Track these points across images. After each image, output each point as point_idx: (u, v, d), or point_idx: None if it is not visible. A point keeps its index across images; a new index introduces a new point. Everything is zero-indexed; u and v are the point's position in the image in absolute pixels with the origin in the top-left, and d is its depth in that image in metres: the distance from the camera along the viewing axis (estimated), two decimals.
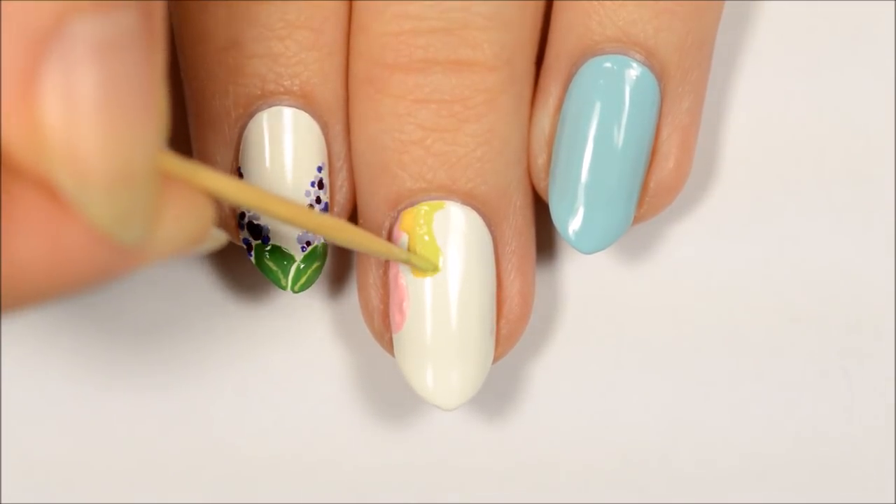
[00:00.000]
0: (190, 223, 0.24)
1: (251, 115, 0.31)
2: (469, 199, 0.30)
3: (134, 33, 0.22)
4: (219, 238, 0.28)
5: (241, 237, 0.31)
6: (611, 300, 0.33)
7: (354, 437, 0.33)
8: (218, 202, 0.31)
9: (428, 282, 0.30)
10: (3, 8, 0.21)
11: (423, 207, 0.30)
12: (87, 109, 0.21)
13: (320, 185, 0.31)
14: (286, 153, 0.30)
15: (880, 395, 0.33)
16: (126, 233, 0.23)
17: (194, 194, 0.24)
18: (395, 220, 0.30)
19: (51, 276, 0.23)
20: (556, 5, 0.31)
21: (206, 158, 0.31)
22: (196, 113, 0.31)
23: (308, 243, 0.31)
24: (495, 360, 0.31)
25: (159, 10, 0.22)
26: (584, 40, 0.30)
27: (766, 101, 0.33)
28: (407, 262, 0.30)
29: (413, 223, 0.30)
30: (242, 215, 0.31)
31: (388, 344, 0.31)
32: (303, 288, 0.31)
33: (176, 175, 0.24)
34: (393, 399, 0.33)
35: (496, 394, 0.33)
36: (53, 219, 0.23)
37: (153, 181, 0.23)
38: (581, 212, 0.30)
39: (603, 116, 0.30)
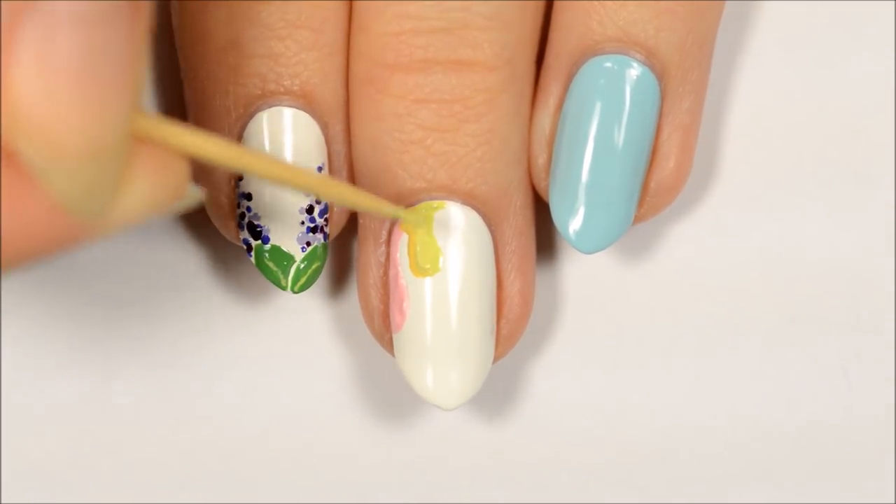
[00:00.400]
0: (162, 184, 0.24)
1: (251, 115, 0.30)
2: (469, 199, 0.30)
3: (117, 7, 0.21)
4: (195, 195, 0.27)
5: (241, 237, 0.31)
6: (611, 300, 0.33)
7: (354, 437, 0.33)
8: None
9: (428, 282, 0.30)
10: None
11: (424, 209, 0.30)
12: (63, 81, 0.21)
13: None
14: (286, 153, 0.30)
15: (880, 395, 0.33)
16: (87, 206, 0.23)
17: (167, 154, 0.24)
18: (395, 219, 0.30)
19: (11, 249, 0.23)
20: (557, 5, 0.31)
21: None
22: (196, 113, 0.31)
23: (308, 243, 0.31)
24: (495, 360, 0.31)
25: None
26: (585, 40, 0.30)
27: (765, 100, 0.33)
28: (395, 216, 0.30)
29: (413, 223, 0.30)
30: (242, 216, 0.31)
31: (388, 344, 0.31)
32: (303, 288, 0.31)
33: (149, 135, 0.24)
34: (393, 399, 0.33)
35: (496, 394, 0.33)
36: (16, 191, 0.22)
37: (121, 157, 0.22)
38: (581, 212, 0.30)
39: (603, 116, 0.30)
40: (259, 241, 0.31)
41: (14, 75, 0.21)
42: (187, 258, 0.33)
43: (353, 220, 0.32)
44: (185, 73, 0.31)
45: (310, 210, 0.31)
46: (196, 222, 0.33)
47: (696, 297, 0.33)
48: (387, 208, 0.29)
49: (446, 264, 0.30)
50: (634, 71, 0.30)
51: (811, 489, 0.33)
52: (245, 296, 0.33)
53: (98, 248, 0.33)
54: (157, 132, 0.24)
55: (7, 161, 0.22)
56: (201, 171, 0.31)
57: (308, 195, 0.30)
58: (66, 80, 0.21)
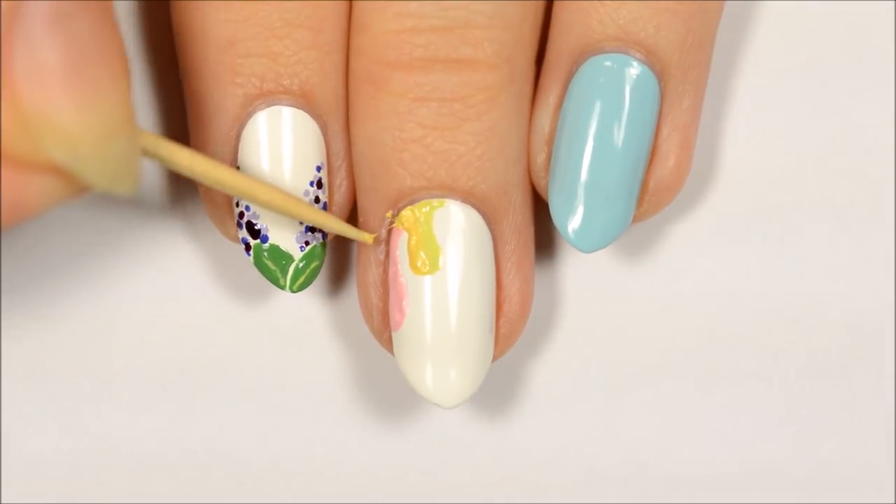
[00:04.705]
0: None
1: (250, 115, 0.30)
2: (469, 198, 0.30)
3: None
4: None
5: (240, 237, 0.31)
6: (610, 299, 0.33)
7: (354, 437, 0.33)
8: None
9: (427, 280, 0.30)
10: None
11: (424, 208, 0.30)
12: (55, 79, 0.23)
13: (319, 184, 0.31)
14: (285, 153, 0.30)
15: (880, 395, 0.33)
16: (118, 185, 0.24)
17: None
18: (394, 217, 0.30)
19: None
20: (557, 4, 0.31)
21: None
22: (195, 112, 0.31)
23: (306, 242, 0.31)
24: (495, 358, 0.31)
25: None
26: (585, 39, 0.30)
27: (765, 100, 0.33)
28: (344, 234, 0.30)
29: (413, 221, 0.30)
30: (241, 215, 0.31)
31: (387, 342, 0.31)
32: (301, 287, 0.31)
33: (147, 153, 0.25)
34: (392, 398, 0.33)
35: (496, 393, 0.33)
36: None
37: (134, 134, 0.24)
38: (580, 210, 0.30)
39: (603, 115, 0.30)
40: (257, 241, 0.31)
41: (16, 85, 0.23)
42: (185, 257, 0.33)
43: (352, 217, 0.32)
44: (184, 72, 0.31)
45: None
46: (194, 221, 0.33)
47: (696, 297, 0.33)
48: (357, 234, 0.30)
49: (446, 263, 0.30)
50: (634, 70, 0.30)
51: (811, 489, 0.33)
52: (243, 295, 0.33)
53: (97, 247, 0.33)
54: (153, 150, 0.25)
55: None
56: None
57: (307, 194, 0.30)
58: (58, 78, 0.23)
